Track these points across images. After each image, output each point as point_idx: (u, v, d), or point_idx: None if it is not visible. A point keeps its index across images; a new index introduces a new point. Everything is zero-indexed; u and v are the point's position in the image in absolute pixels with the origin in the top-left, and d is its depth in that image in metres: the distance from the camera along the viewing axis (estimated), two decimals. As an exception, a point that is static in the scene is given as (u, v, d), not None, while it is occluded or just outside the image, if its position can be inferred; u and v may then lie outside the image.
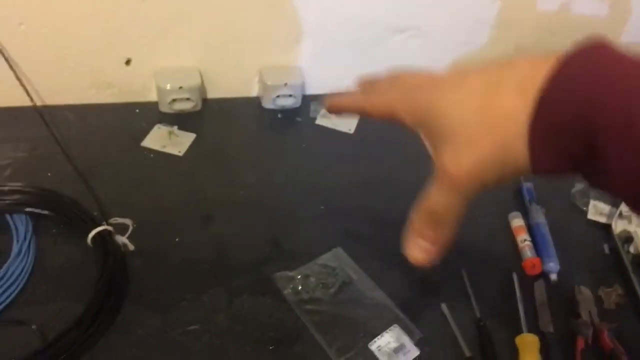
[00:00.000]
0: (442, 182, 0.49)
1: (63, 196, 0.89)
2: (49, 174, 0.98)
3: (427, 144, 0.51)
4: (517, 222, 0.99)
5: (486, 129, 0.44)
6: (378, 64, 1.20)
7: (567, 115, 0.39)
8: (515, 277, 0.91)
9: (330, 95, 0.61)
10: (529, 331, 0.83)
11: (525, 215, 1.01)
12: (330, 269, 0.89)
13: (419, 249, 0.54)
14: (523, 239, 0.95)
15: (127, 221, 0.91)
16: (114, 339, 0.77)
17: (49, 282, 0.83)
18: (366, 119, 1.16)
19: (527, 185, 1.06)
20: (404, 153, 1.12)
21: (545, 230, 0.97)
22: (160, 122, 1.11)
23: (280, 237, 0.93)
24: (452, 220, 0.51)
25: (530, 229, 0.98)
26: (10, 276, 0.80)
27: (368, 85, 0.60)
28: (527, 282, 0.91)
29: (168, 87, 1.10)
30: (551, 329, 0.84)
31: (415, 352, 0.80)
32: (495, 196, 1.05)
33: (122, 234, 0.89)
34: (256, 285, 0.86)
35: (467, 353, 0.80)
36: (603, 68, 0.38)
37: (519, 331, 0.83)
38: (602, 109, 0.37)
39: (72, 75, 1.08)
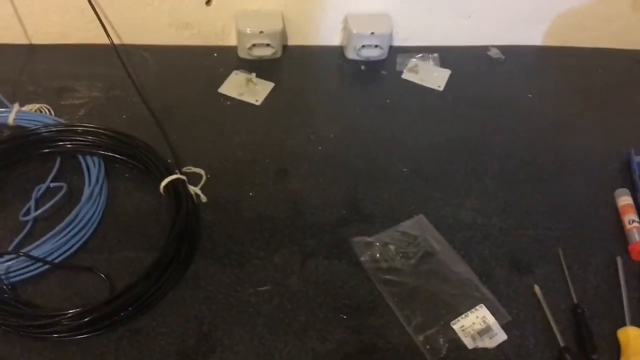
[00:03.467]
0: None
1: (138, 140, 0.86)
2: (124, 116, 0.94)
3: None
4: (624, 199, 0.88)
5: None
6: (474, 13, 1.11)
7: None
8: (619, 261, 0.81)
9: None
10: (634, 324, 0.74)
11: (634, 192, 0.90)
12: (411, 238, 0.82)
13: None
14: (631, 220, 0.85)
15: (200, 171, 0.87)
16: (182, 294, 0.74)
17: (119, 229, 0.80)
18: (457, 77, 1.06)
19: (637, 158, 0.94)
20: (496, 113, 1.04)
21: (657, 211, 0.86)
22: (238, 68, 1.05)
23: (359, 199, 0.87)
24: None
25: (640, 209, 0.87)
26: (82, 220, 0.78)
27: None
28: (634, 268, 0.81)
29: (248, 30, 1.03)
30: (660, 324, 0.75)
31: (503, 336, 0.73)
32: (599, 169, 0.95)
33: (195, 184, 0.85)
34: (331, 249, 0.80)
35: (562, 342, 0.72)
36: None
37: (622, 323, 0.74)
38: None
39: (151, 13, 1.03)
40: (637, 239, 0.82)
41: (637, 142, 0.98)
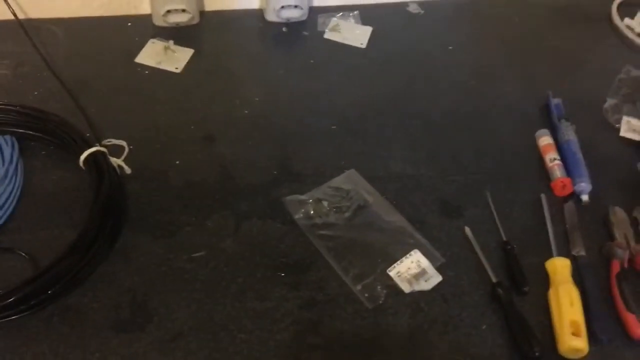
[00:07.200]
0: None
1: (51, 115, 0.82)
2: (35, 93, 0.90)
3: None
4: (545, 139, 0.91)
5: None
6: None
7: None
8: (543, 198, 0.84)
9: None
10: (560, 255, 0.77)
11: (554, 133, 0.93)
12: (344, 192, 0.82)
13: None
14: (552, 158, 0.88)
15: (122, 142, 0.84)
16: (112, 267, 0.72)
17: (39, 207, 0.76)
18: (378, 34, 1.07)
19: (555, 100, 0.97)
20: (419, 67, 1.05)
21: (575, 148, 0.89)
22: (154, 36, 1.02)
23: (289, 159, 0.86)
24: None
25: (559, 147, 0.90)
26: (-3, 201, 0.74)
27: None
28: (557, 203, 0.84)
29: (162, -4, 1.00)
30: (583, 253, 0.78)
31: (438, 278, 0.74)
32: (519, 112, 0.97)
33: (118, 156, 0.82)
34: (265, 209, 0.79)
35: (494, 279, 0.74)
36: None
37: (549, 255, 0.77)
38: None
39: (56, -16, 0.98)
40: (559, 176, 0.85)
41: (554, 86, 1.01)
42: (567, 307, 0.70)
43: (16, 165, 0.79)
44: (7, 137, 0.81)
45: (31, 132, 0.81)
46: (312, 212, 0.79)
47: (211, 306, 0.69)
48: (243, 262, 0.74)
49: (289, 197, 0.80)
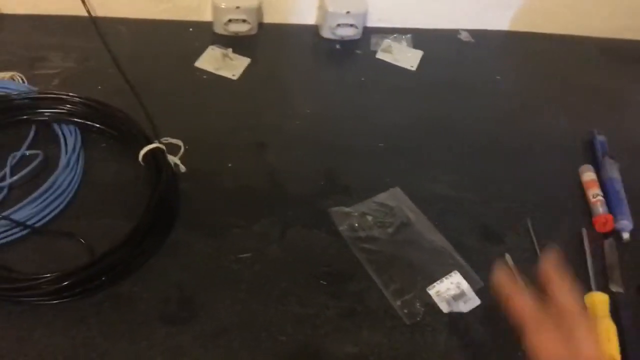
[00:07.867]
0: None
1: (115, 110, 0.85)
2: (99, 87, 0.93)
3: None
4: (588, 175, 0.92)
5: None
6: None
7: None
8: (584, 232, 0.85)
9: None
10: (598, 290, 0.78)
11: (597, 169, 0.94)
12: (388, 209, 0.84)
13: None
14: (595, 194, 0.89)
15: (179, 142, 0.87)
16: (163, 261, 0.74)
17: (97, 197, 0.79)
18: (429, 58, 1.09)
19: (600, 137, 0.98)
20: (466, 93, 1.07)
21: (619, 186, 0.90)
22: (214, 43, 1.05)
23: (336, 171, 0.88)
24: None
25: (602, 184, 0.91)
26: (59, 187, 0.77)
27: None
28: (597, 239, 0.85)
29: (224, 5, 1.04)
30: (621, 290, 0.79)
31: (476, 301, 0.75)
32: (564, 148, 0.98)
33: (174, 155, 0.85)
34: (310, 218, 0.81)
35: (532, 306, 0.75)
36: None
37: (588, 289, 0.78)
38: None
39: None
40: (601, 212, 0.86)
41: (598, 124, 1.02)
42: (604, 341, 0.70)
43: (78, 154, 0.82)
44: (71, 127, 0.84)
45: (95, 124, 0.84)
46: (356, 225, 0.81)
47: (254, 307, 0.71)
48: (287, 267, 0.76)
49: (334, 209, 0.83)
